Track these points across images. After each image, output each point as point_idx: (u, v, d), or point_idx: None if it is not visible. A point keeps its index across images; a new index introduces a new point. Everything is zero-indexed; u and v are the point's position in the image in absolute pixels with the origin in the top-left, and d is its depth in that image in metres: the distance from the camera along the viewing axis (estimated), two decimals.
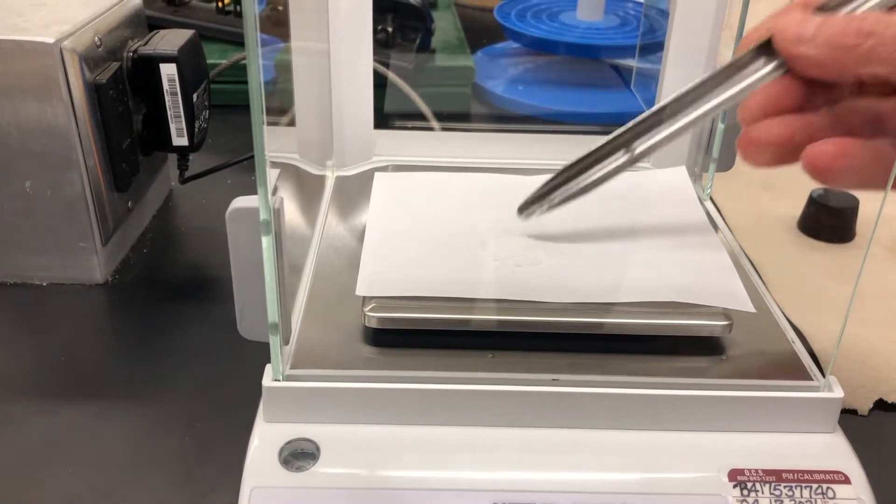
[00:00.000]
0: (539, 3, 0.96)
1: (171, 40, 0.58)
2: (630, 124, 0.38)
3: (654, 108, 0.37)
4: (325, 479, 0.33)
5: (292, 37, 0.50)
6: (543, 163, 0.51)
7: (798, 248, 0.66)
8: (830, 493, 0.33)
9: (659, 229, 0.44)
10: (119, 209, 0.59)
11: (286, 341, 0.35)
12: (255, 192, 0.32)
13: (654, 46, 0.77)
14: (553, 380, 0.35)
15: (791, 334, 0.39)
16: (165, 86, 0.58)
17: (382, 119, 0.70)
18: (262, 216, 0.31)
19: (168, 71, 0.58)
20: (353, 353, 0.36)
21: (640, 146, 0.37)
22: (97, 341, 0.53)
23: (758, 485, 0.33)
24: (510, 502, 0.32)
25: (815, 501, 0.33)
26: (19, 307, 0.55)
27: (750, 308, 0.38)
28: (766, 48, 0.33)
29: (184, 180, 0.64)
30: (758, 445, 0.35)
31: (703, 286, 0.39)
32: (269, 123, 0.40)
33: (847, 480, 0.34)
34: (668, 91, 0.52)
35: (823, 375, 0.36)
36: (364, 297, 0.37)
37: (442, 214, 0.45)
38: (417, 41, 0.86)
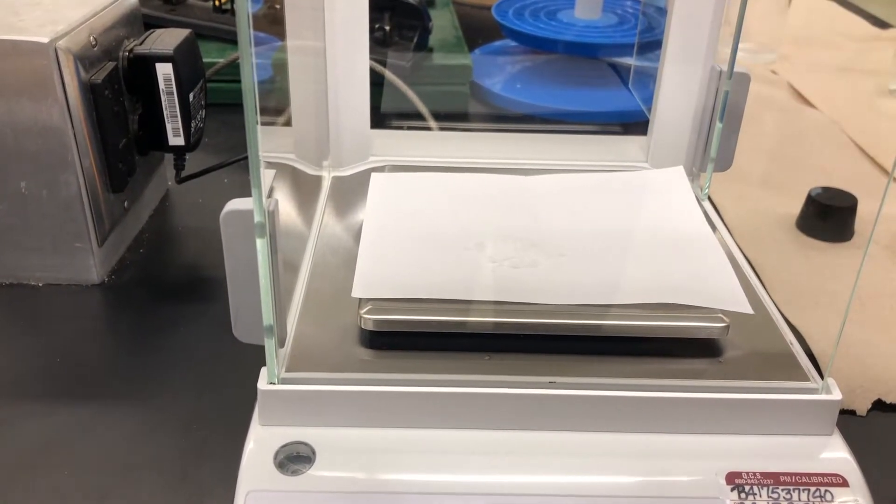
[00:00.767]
0: (537, 2, 0.95)
1: (167, 40, 0.58)
2: None
3: None
4: (320, 482, 0.33)
5: (288, 35, 0.50)
6: (541, 163, 0.51)
7: (796, 247, 0.66)
8: (828, 497, 0.33)
9: (656, 230, 0.44)
10: (115, 209, 0.59)
11: (281, 344, 0.35)
12: (251, 193, 0.32)
13: (652, 45, 0.77)
14: (550, 382, 0.35)
15: (789, 336, 0.39)
16: (161, 85, 0.58)
17: (379, 119, 0.70)
18: (257, 219, 0.31)
19: (164, 70, 0.58)
20: (349, 356, 0.36)
21: None
22: (93, 342, 0.53)
23: (755, 488, 0.33)
24: None
25: None
26: (15, 308, 0.55)
27: (748, 310, 0.38)
28: None
29: (180, 180, 0.63)
30: (756, 448, 0.35)
31: (700, 287, 0.38)
32: (266, 123, 0.40)
33: (845, 483, 0.34)
34: (666, 89, 0.52)
35: (822, 377, 0.36)
36: (360, 300, 0.37)
37: (438, 215, 0.44)
38: (415, 40, 0.85)
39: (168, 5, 0.90)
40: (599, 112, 0.82)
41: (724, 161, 0.51)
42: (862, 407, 0.49)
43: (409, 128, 0.69)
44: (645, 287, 0.38)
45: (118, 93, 0.56)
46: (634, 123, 0.73)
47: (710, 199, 0.55)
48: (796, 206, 0.69)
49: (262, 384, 0.34)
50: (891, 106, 0.94)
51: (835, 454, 0.35)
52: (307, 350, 0.36)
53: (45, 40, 0.50)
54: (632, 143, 0.55)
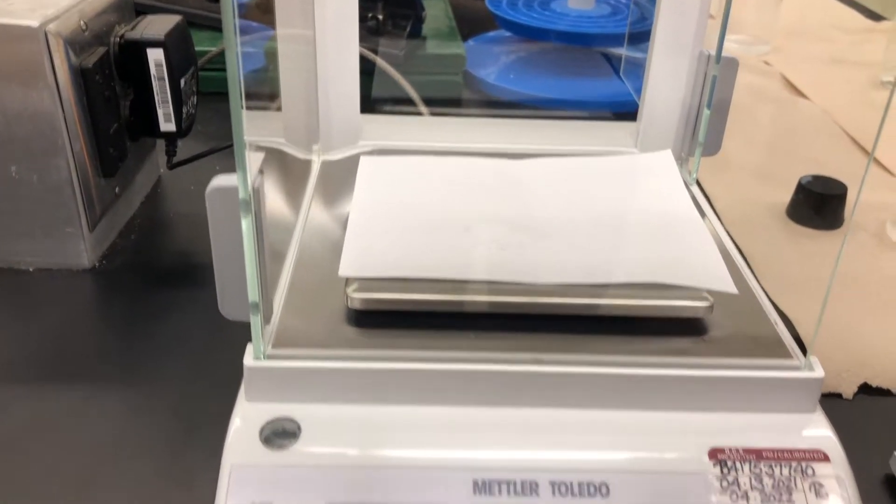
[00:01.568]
0: None
1: (158, 25, 0.58)
2: None
3: None
4: (305, 457, 0.33)
5: (277, 22, 0.50)
6: (531, 148, 0.51)
7: (786, 234, 0.66)
8: (810, 471, 0.33)
9: (643, 212, 0.44)
10: (106, 195, 0.59)
11: (267, 321, 0.35)
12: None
13: (643, 35, 0.77)
14: (535, 359, 0.35)
15: (774, 316, 0.39)
16: (153, 71, 0.58)
17: (370, 107, 0.70)
18: (241, 195, 0.31)
19: (155, 56, 0.58)
20: (336, 334, 0.36)
21: None
22: (84, 326, 0.53)
23: (738, 463, 0.33)
24: (491, 480, 0.32)
25: (795, 479, 0.33)
26: (6, 292, 0.55)
27: (732, 289, 0.38)
28: None
29: (172, 166, 0.64)
30: (739, 424, 0.35)
31: (685, 267, 0.39)
32: (255, 108, 0.40)
33: (826, 459, 0.34)
34: (655, 75, 0.52)
35: (805, 356, 0.36)
36: (347, 279, 0.37)
37: (427, 198, 0.45)
38: (408, 29, 0.86)
39: None
40: (592, 101, 0.83)
41: (712, 146, 0.52)
42: (848, 390, 0.49)
43: (400, 113, 0.69)
44: (630, 267, 0.38)
45: (109, 78, 0.56)
46: (627, 113, 0.73)
47: (699, 184, 0.55)
48: (787, 195, 0.69)
49: (248, 360, 0.34)
50: (882, 97, 0.94)
51: (817, 430, 0.35)
52: (294, 328, 0.37)
53: (36, 24, 0.50)
54: (621, 129, 0.56)
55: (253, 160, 0.32)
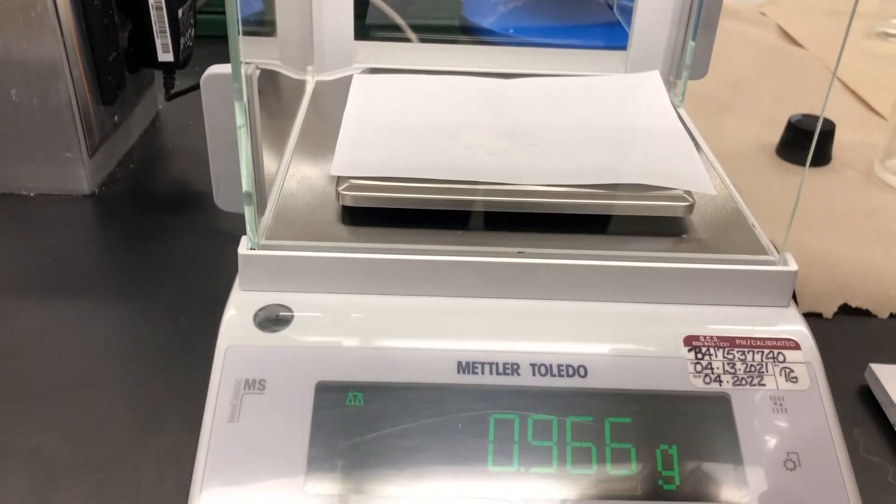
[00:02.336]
0: None
1: None
2: None
3: None
4: (297, 340, 0.34)
5: None
6: (523, 72, 0.52)
7: (776, 171, 0.67)
8: (781, 358, 0.35)
9: (627, 121, 0.45)
10: (105, 122, 0.60)
11: (261, 212, 0.36)
12: None
13: None
14: (518, 252, 0.36)
15: (752, 219, 0.40)
16: (151, 0, 0.59)
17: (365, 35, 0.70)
18: (235, 82, 0.32)
19: None
20: (328, 229, 0.38)
21: None
22: (83, 246, 0.54)
23: (712, 349, 0.35)
24: (474, 361, 0.34)
25: (766, 365, 0.35)
26: (7, 216, 0.56)
27: (710, 190, 0.39)
28: None
29: (169, 97, 0.65)
30: (715, 316, 0.36)
31: (666, 169, 0.40)
32: (250, 34, 0.41)
33: (797, 346, 0.35)
34: (641, 22, 0.53)
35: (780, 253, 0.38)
36: (338, 178, 0.38)
37: (418, 109, 0.46)
38: None
39: None
40: (592, 48, 0.83)
41: (699, 69, 0.52)
42: (829, 310, 0.51)
43: (394, 39, 0.70)
44: (613, 169, 0.40)
45: (107, 5, 0.57)
46: None
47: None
48: (778, 136, 0.70)
49: (243, 249, 0.35)
50: (876, 46, 0.95)
51: (789, 322, 0.36)
52: (287, 224, 0.38)
53: None
54: (612, 56, 0.56)
55: (247, 49, 0.33)
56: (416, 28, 0.77)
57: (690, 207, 0.38)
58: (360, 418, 0.33)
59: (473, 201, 0.38)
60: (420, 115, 0.45)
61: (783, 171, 0.68)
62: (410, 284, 0.36)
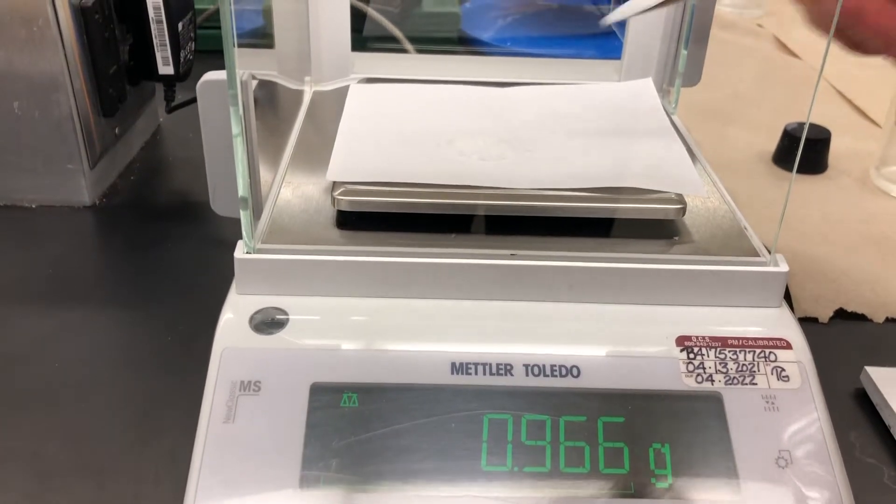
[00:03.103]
0: None
1: None
2: None
3: None
4: (293, 342, 0.35)
5: None
6: (518, 82, 0.53)
7: (772, 179, 0.68)
8: (772, 357, 0.35)
9: (621, 127, 0.46)
10: (106, 134, 0.61)
11: (256, 216, 0.37)
12: None
13: None
14: (511, 254, 0.36)
15: (744, 222, 0.41)
16: (151, 14, 0.60)
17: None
18: (230, 88, 0.33)
19: None
20: (323, 233, 0.38)
21: None
22: (85, 256, 0.55)
23: (704, 349, 0.35)
24: (468, 362, 0.34)
25: (758, 364, 0.35)
26: (8, 227, 0.57)
27: (701, 192, 0.39)
28: None
29: (170, 109, 0.65)
30: (707, 317, 0.36)
31: (658, 173, 0.40)
32: (249, 46, 0.41)
33: (789, 346, 0.35)
34: (634, 31, 0.53)
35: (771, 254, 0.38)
36: (334, 182, 0.39)
37: (413, 116, 0.46)
38: None
39: None
40: (586, 56, 0.84)
41: (692, 76, 0.53)
42: (825, 315, 0.51)
43: (390, 50, 0.71)
44: (606, 173, 0.40)
45: (108, 19, 0.58)
46: None
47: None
48: (774, 144, 0.70)
49: (239, 253, 0.36)
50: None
51: (781, 322, 0.36)
52: (283, 228, 0.38)
53: None
54: (606, 65, 0.57)
55: (244, 61, 0.33)
56: (415, 41, 0.78)
57: (682, 210, 0.39)
58: (354, 419, 0.33)
59: (467, 205, 0.39)
60: (415, 122, 0.45)
61: (779, 178, 0.68)
62: (404, 287, 0.36)
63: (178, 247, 0.55)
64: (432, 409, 0.33)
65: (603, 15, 0.92)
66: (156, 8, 0.59)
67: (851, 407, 0.44)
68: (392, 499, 0.31)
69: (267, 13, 0.54)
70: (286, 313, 0.35)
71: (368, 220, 0.38)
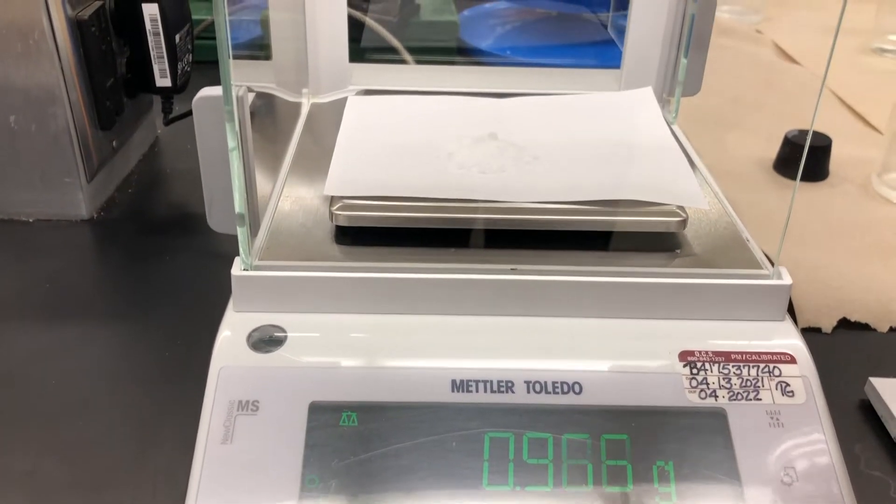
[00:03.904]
0: None
1: None
2: None
3: None
4: (291, 360, 0.34)
5: None
6: (517, 92, 0.52)
7: (773, 187, 0.68)
8: (777, 372, 0.35)
9: (621, 139, 0.46)
10: (104, 147, 0.60)
11: (253, 233, 0.36)
12: None
13: None
14: (511, 269, 0.36)
15: (746, 234, 0.40)
16: (148, 26, 0.59)
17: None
18: (226, 104, 0.32)
19: (150, 11, 0.59)
20: (321, 249, 0.38)
21: None
22: (82, 270, 0.54)
23: (707, 364, 0.35)
24: (468, 379, 0.34)
25: (762, 379, 0.34)
26: (5, 241, 0.56)
27: (703, 205, 0.39)
28: None
29: (168, 121, 0.65)
30: (709, 331, 0.36)
31: (659, 185, 0.40)
32: (246, 57, 0.41)
33: (793, 360, 0.35)
34: (636, 19, 0.53)
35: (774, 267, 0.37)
36: (332, 197, 0.38)
37: (412, 128, 0.46)
38: None
39: None
40: (585, 65, 0.83)
41: (692, 85, 0.53)
42: (828, 325, 0.51)
43: (389, 61, 0.70)
44: (606, 185, 0.40)
45: (105, 31, 0.58)
46: None
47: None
48: (775, 151, 0.70)
49: (236, 270, 0.35)
50: (872, 62, 0.96)
51: (784, 336, 0.36)
52: (280, 245, 0.38)
53: None
54: (606, 75, 0.57)
55: (241, 73, 0.33)
56: (413, 51, 0.77)
57: (684, 223, 0.38)
58: (354, 438, 0.32)
59: (467, 219, 0.38)
60: (414, 135, 0.45)
61: (780, 186, 0.68)
62: (404, 303, 0.36)
63: (177, 260, 0.55)
64: (433, 428, 0.33)
65: (602, 23, 0.92)
66: (153, 20, 0.59)
67: (856, 419, 0.44)
68: None
69: (264, 24, 0.54)
70: (284, 331, 0.35)
71: (367, 235, 0.38)
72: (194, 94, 0.41)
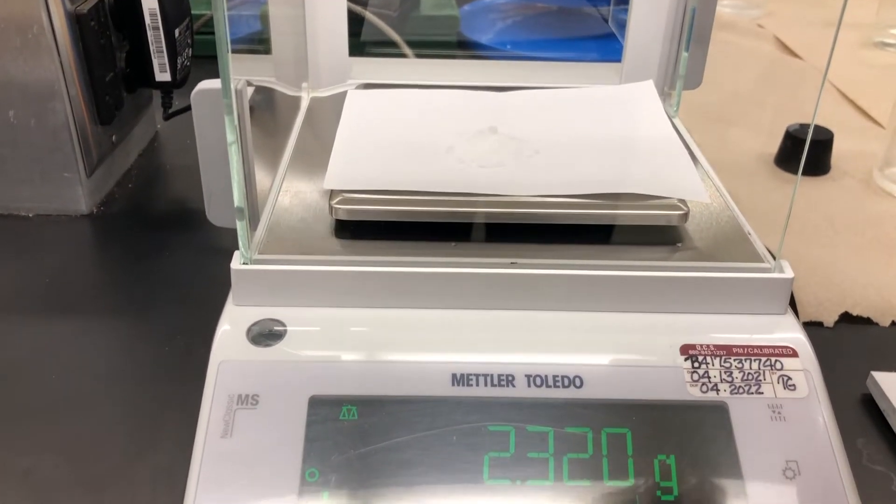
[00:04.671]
0: None
1: None
2: None
3: None
4: (291, 354, 0.34)
5: None
6: (517, 86, 0.52)
7: (774, 181, 0.67)
8: (778, 365, 0.34)
9: (622, 132, 0.45)
10: (103, 142, 0.60)
11: (253, 226, 0.36)
12: None
13: None
14: (511, 263, 0.36)
15: (747, 227, 0.40)
16: (147, 20, 0.59)
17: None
18: (225, 96, 0.32)
19: (150, 5, 0.59)
20: (321, 243, 0.38)
21: None
22: (82, 266, 0.54)
23: (708, 358, 0.34)
24: (469, 373, 0.34)
25: (764, 373, 0.34)
26: (5, 237, 0.56)
27: (705, 198, 0.39)
28: None
29: (167, 116, 0.65)
30: (711, 325, 0.36)
31: (660, 179, 0.40)
32: (246, 52, 0.41)
33: (795, 354, 0.35)
34: (637, 15, 0.53)
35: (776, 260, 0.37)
36: (332, 191, 0.38)
37: (411, 122, 0.46)
38: None
39: None
40: (586, 58, 0.83)
41: (693, 79, 0.53)
42: (829, 319, 0.50)
43: (389, 55, 0.70)
44: (607, 179, 0.39)
45: (104, 26, 0.58)
46: None
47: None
48: (776, 145, 0.70)
49: (235, 264, 0.35)
50: (874, 56, 0.95)
51: (786, 330, 0.36)
52: (280, 238, 0.38)
53: None
54: (607, 68, 0.57)
55: (241, 67, 0.33)
56: (413, 45, 0.77)
57: (685, 216, 0.38)
58: (354, 432, 0.32)
59: (467, 213, 0.38)
60: (413, 129, 0.45)
61: (782, 180, 0.67)
62: (404, 297, 0.36)
63: (177, 255, 0.55)
64: (433, 422, 0.32)
65: (602, 17, 0.91)
66: (152, 14, 0.59)
67: (858, 413, 0.43)
68: None
69: (264, 18, 0.53)
70: (284, 325, 0.35)
71: (367, 229, 0.38)
72: (193, 89, 0.40)
